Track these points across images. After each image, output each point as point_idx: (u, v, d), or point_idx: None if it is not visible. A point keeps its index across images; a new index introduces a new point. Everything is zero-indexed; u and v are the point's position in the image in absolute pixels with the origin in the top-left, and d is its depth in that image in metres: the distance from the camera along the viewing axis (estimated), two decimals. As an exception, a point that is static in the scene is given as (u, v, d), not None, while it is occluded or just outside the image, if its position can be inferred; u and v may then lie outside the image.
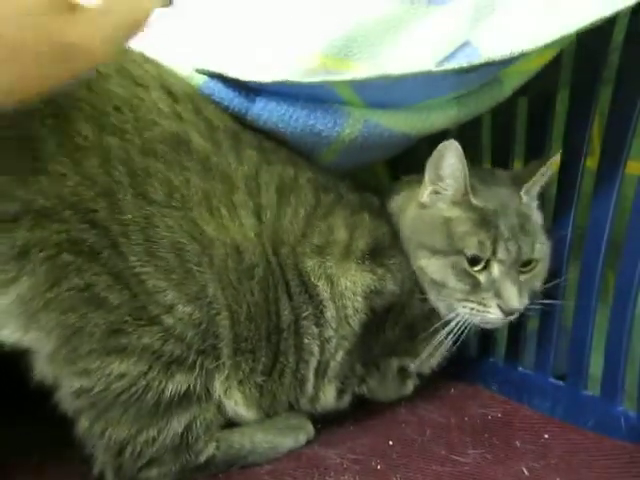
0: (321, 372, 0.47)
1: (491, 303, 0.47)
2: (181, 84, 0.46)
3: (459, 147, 0.46)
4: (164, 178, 0.40)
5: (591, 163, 0.49)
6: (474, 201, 0.48)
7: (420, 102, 0.46)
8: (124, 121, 0.40)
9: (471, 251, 0.47)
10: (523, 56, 0.41)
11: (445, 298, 0.49)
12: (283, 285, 0.45)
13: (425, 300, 0.50)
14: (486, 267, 0.48)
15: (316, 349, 0.46)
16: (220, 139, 0.45)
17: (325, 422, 0.49)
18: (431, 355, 0.51)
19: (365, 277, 0.47)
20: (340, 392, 0.49)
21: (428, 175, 0.49)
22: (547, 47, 0.42)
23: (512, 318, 0.48)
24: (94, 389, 0.39)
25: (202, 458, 0.43)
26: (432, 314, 0.50)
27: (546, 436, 0.47)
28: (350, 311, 0.47)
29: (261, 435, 0.46)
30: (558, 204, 0.51)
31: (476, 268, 0.47)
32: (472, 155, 0.57)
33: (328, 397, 0.48)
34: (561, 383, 0.51)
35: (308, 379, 0.47)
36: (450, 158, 0.47)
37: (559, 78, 0.49)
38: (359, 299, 0.47)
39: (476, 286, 0.47)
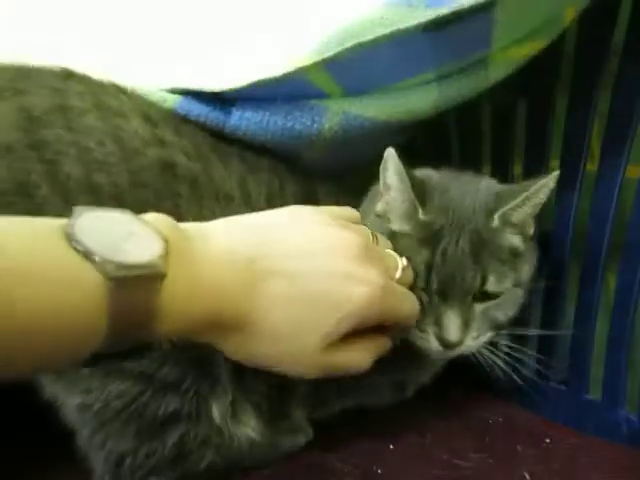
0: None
1: (428, 330, 0.42)
2: (157, 108, 0.45)
3: (396, 158, 0.42)
4: (155, 208, 0.37)
5: (591, 167, 0.49)
6: (422, 217, 0.43)
7: (399, 81, 0.44)
8: (109, 154, 0.40)
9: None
10: (495, 6, 0.39)
11: None
12: None
13: None
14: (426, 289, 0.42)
15: None
16: (207, 154, 0.45)
17: (326, 426, 0.49)
18: (417, 376, 0.50)
19: None
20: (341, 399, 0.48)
21: (381, 183, 0.45)
22: (536, 33, 0.41)
23: (456, 354, 0.43)
24: (95, 405, 0.39)
25: (202, 465, 0.42)
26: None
27: (547, 440, 0.47)
28: None
29: (259, 437, 0.46)
30: (558, 208, 0.51)
31: (418, 292, 0.42)
32: (472, 159, 0.57)
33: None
34: (562, 387, 0.51)
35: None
36: (391, 168, 0.43)
37: (558, 81, 0.49)
38: None
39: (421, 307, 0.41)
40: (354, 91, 0.45)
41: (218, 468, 0.43)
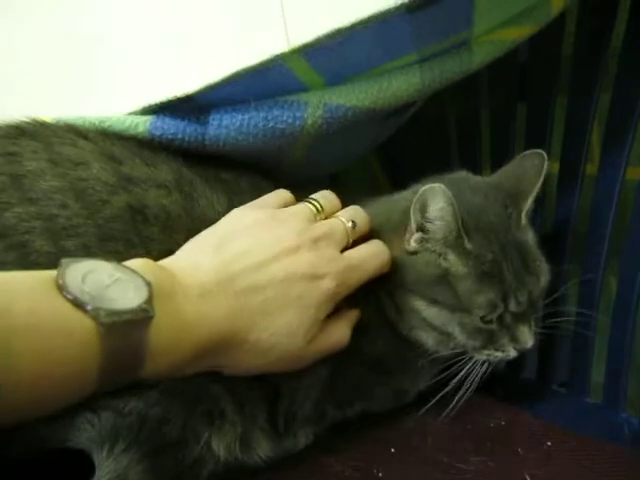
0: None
1: (509, 348, 0.46)
2: (123, 143, 0.43)
3: (447, 191, 0.41)
4: (126, 257, 0.36)
5: (591, 169, 0.49)
6: (468, 245, 0.43)
7: (380, 65, 0.43)
8: (74, 216, 0.37)
9: (482, 312, 0.44)
10: (488, 11, 0.39)
11: (449, 346, 0.46)
12: None
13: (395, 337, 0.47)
14: (498, 318, 0.45)
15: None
16: (188, 177, 0.43)
17: (326, 429, 0.48)
18: (413, 381, 0.51)
19: None
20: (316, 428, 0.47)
21: (414, 220, 0.44)
22: (522, 18, 0.41)
23: None
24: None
25: (205, 473, 0.41)
26: (404, 351, 0.48)
27: (549, 443, 0.47)
28: None
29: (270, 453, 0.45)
30: (558, 211, 0.51)
31: (490, 325, 0.45)
32: (471, 162, 0.57)
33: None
34: (563, 391, 0.51)
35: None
36: (439, 203, 0.42)
37: (558, 84, 0.50)
38: None
39: (490, 336, 0.45)
40: (335, 79, 0.44)
41: (220, 473, 0.42)
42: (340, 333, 0.41)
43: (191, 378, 0.39)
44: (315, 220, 0.42)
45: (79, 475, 0.38)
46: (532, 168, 0.46)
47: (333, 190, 0.47)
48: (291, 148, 0.47)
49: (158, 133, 0.44)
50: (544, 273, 0.47)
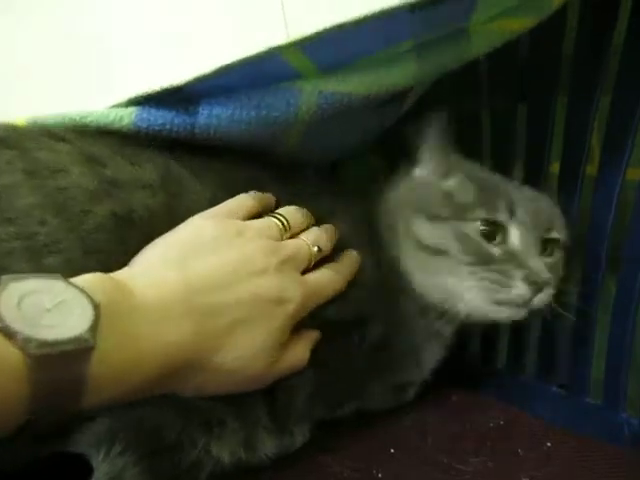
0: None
1: (515, 274, 0.40)
2: (105, 141, 0.41)
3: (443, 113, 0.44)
4: (113, 269, 0.35)
5: (591, 170, 0.49)
6: (470, 171, 0.46)
7: (377, 51, 0.42)
8: (55, 230, 0.35)
9: (484, 214, 0.42)
10: (489, 1, 0.39)
11: (442, 275, 0.43)
12: None
13: (393, 310, 0.47)
14: (502, 241, 0.43)
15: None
16: (176, 173, 0.41)
17: (325, 429, 0.48)
18: (418, 364, 0.50)
19: None
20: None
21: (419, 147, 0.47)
22: (522, 10, 0.41)
23: (537, 304, 0.42)
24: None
25: (203, 476, 0.41)
26: (403, 324, 0.48)
27: (548, 444, 0.47)
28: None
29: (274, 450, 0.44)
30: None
31: (490, 242, 0.42)
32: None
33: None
34: (563, 391, 0.51)
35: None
36: (432, 136, 0.45)
37: (558, 83, 0.50)
38: None
39: (487, 261, 0.42)
40: (330, 67, 0.42)
41: (217, 474, 0.42)
42: (301, 353, 0.41)
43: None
44: (281, 238, 0.41)
45: (78, 477, 0.37)
46: None
47: (333, 186, 0.47)
48: (284, 135, 0.46)
49: (144, 125, 0.42)
50: (558, 223, 0.45)
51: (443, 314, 0.45)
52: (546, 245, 0.45)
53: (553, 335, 0.51)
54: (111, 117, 0.42)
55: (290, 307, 0.38)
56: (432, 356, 0.50)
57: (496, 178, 0.47)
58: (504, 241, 0.43)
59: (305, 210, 0.45)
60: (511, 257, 0.42)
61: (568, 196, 0.50)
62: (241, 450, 0.42)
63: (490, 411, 0.52)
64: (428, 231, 0.44)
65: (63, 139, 0.40)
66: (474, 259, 0.42)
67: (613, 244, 0.47)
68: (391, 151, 0.56)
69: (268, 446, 0.44)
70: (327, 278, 0.42)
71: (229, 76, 0.41)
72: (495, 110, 0.55)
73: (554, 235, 0.44)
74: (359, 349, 0.46)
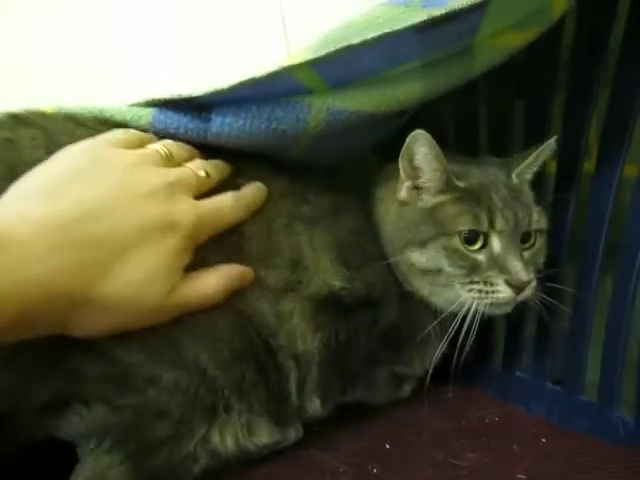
0: (300, 386, 0.46)
1: (497, 280, 0.44)
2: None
3: (427, 135, 0.44)
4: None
5: (588, 166, 0.49)
6: (460, 184, 0.46)
7: (385, 70, 0.44)
8: None
9: (467, 226, 0.44)
10: (488, 5, 0.39)
11: (443, 288, 0.46)
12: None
13: (406, 303, 0.48)
14: (484, 245, 0.45)
15: (292, 364, 0.45)
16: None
17: (322, 425, 0.49)
18: (422, 358, 0.51)
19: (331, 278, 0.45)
20: (324, 402, 0.48)
21: (403, 170, 0.47)
22: (524, 24, 0.41)
23: (522, 298, 0.45)
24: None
25: (196, 470, 0.42)
26: (415, 318, 0.49)
27: (543, 440, 0.47)
28: (303, 325, 0.44)
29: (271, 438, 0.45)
30: (555, 208, 0.51)
31: (473, 247, 0.45)
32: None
33: (313, 407, 0.47)
34: (558, 388, 0.51)
35: (291, 392, 0.45)
36: (421, 147, 0.45)
37: (556, 81, 0.49)
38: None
39: (475, 267, 0.45)
40: (338, 85, 0.44)
41: (210, 469, 0.43)
42: (212, 285, 0.39)
43: (193, 370, 0.39)
44: (164, 166, 0.40)
45: (63, 466, 0.38)
46: (535, 147, 0.48)
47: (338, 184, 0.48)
48: (293, 146, 0.47)
49: (161, 127, 0.44)
50: (537, 214, 0.47)
51: (452, 315, 0.47)
52: (528, 236, 0.47)
53: (549, 332, 0.51)
54: (130, 115, 0.44)
55: (181, 231, 0.37)
56: (435, 352, 0.50)
57: (479, 180, 0.47)
58: (487, 245, 0.46)
59: (189, 146, 0.44)
60: (494, 262, 0.45)
61: (565, 193, 0.50)
62: (244, 434, 0.43)
63: (486, 407, 0.52)
64: (419, 257, 0.46)
65: (84, 125, 0.43)
66: (463, 270, 0.45)
67: (610, 241, 0.47)
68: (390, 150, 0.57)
69: (265, 434, 0.44)
70: (225, 204, 0.42)
71: (242, 91, 0.42)
72: (493, 107, 0.55)
73: (533, 227, 0.47)
74: (371, 330, 0.47)
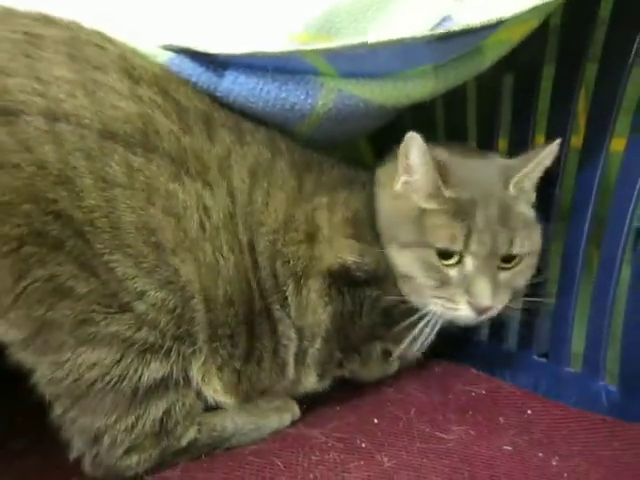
0: (300, 357, 0.46)
1: (460, 299, 0.44)
2: (145, 65, 0.44)
3: (421, 141, 0.43)
4: (123, 159, 0.39)
5: (576, 141, 0.49)
6: (448, 194, 0.45)
7: (396, 72, 0.44)
8: (79, 107, 0.38)
9: (441, 244, 0.44)
10: (503, 24, 0.40)
11: (415, 293, 0.47)
12: (253, 268, 0.44)
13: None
14: (459, 262, 0.45)
15: (293, 335, 0.45)
16: (190, 122, 0.43)
17: (310, 402, 0.49)
18: (413, 343, 0.50)
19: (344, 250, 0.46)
20: (320, 376, 0.48)
21: (400, 164, 0.47)
22: (528, 16, 0.40)
23: (486, 317, 0.45)
24: (67, 379, 0.38)
25: (184, 442, 0.42)
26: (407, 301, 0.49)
27: (529, 412, 0.48)
28: (315, 298, 0.45)
29: (244, 417, 0.45)
30: (542, 182, 0.51)
31: (447, 262, 0.45)
32: (458, 133, 0.57)
33: (309, 380, 0.48)
34: (544, 360, 0.52)
35: (288, 363, 0.46)
36: (415, 152, 0.44)
37: (544, 55, 0.49)
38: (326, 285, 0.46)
39: (445, 282, 0.45)
40: (349, 75, 0.44)
41: (200, 446, 0.43)
42: None
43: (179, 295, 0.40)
44: None
45: None
46: (536, 152, 0.46)
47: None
48: (297, 125, 0.47)
49: (175, 69, 0.45)
50: (523, 239, 0.45)
51: (422, 316, 0.47)
52: (511, 257, 0.46)
53: (534, 305, 0.52)
54: (149, 52, 0.45)
55: None
56: (428, 336, 0.50)
57: (471, 193, 0.45)
58: (461, 263, 0.45)
59: None
60: (463, 280, 0.45)
61: (553, 167, 0.49)
62: (200, 376, 0.43)
63: (472, 381, 0.53)
64: (398, 258, 0.47)
65: (113, 42, 0.43)
66: (435, 283, 0.45)
67: (597, 215, 0.47)
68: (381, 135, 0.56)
69: (219, 389, 0.44)
70: None
71: (257, 58, 0.43)
72: (481, 82, 0.54)
73: (515, 251, 0.45)
74: (374, 306, 0.48)
